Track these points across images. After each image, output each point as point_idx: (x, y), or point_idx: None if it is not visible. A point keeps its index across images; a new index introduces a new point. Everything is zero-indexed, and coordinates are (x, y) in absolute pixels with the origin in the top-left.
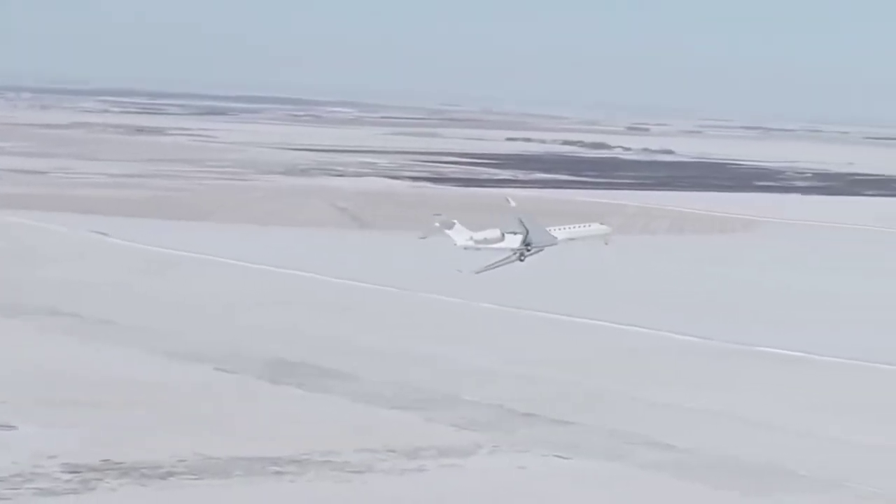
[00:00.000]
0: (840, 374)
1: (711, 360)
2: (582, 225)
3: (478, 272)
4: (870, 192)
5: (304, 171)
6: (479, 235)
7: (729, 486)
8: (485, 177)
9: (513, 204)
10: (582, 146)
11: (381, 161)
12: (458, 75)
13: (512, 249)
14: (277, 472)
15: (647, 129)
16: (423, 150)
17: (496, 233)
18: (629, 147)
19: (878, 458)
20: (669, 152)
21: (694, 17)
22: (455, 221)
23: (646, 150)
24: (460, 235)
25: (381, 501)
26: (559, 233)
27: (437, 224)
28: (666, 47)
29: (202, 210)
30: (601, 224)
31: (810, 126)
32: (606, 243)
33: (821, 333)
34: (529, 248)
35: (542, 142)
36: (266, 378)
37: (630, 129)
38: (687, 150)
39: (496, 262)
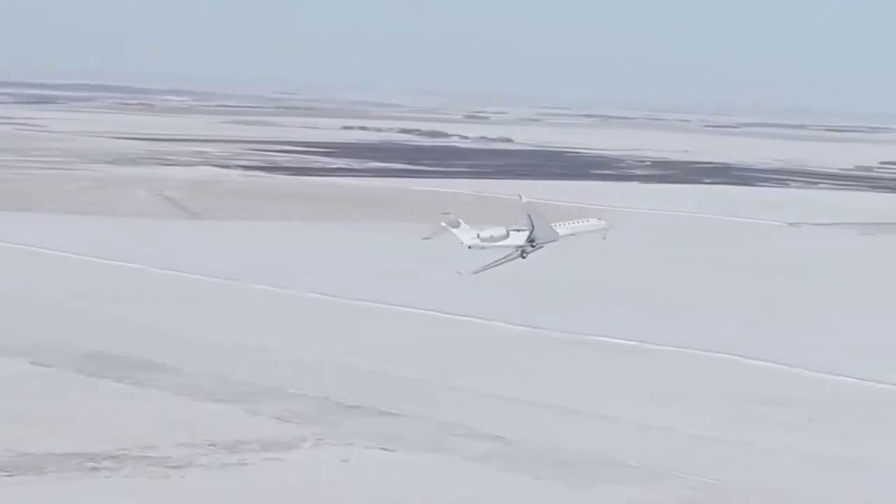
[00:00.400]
0: (672, 362)
1: (541, 349)
2: (580, 220)
3: (476, 272)
4: (708, 181)
5: (133, 161)
6: (486, 233)
7: (553, 477)
8: (318, 165)
9: (524, 200)
10: (419, 135)
11: (213, 150)
12: (294, 63)
13: (516, 246)
14: (93, 468)
15: (485, 118)
16: (256, 139)
17: (502, 230)
18: (467, 135)
19: (706, 447)
20: (508, 140)
21: (532, 3)
22: (460, 220)
23: (483, 138)
24: (466, 234)
25: (200, 497)
26: (560, 228)
27: (443, 224)
28: (505, 35)
29: (25, 200)
30: (598, 219)
31: (651, 114)
32: (604, 238)
33: (653, 322)
34: (534, 244)
35: (379, 130)
36: (85, 372)
37: (468, 117)
38: (525, 138)
39: (497, 261)
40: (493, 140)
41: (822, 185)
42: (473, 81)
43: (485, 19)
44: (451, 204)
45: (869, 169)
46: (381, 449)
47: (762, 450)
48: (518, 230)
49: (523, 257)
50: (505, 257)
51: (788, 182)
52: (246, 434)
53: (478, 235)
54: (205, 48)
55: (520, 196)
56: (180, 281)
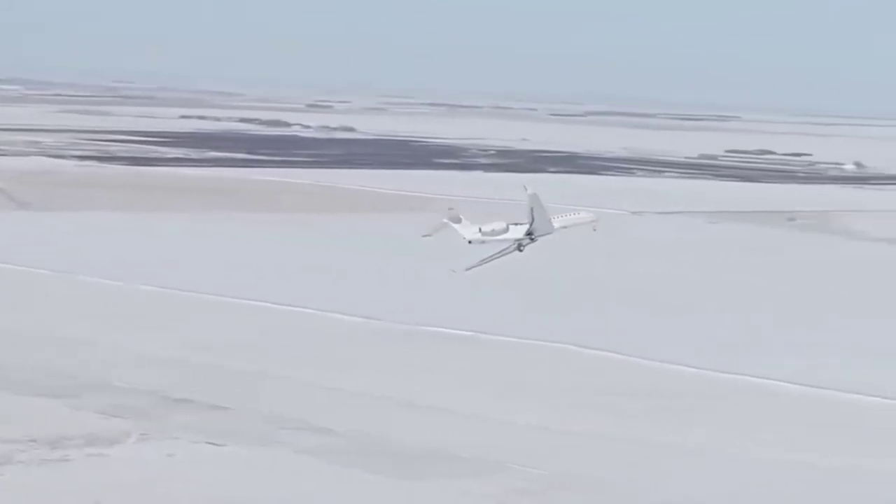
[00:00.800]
0: (509, 353)
1: (377, 340)
2: (572, 213)
3: (468, 269)
4: (553, 170)
5: None
6: (487, 227)
7: (385, 470)
8: (155, 155)
9: (530, 191)
10: (259, 124)
11: (47, 140)
12: (131, 52)
13: (514, 240)
14: None
15: (329, 107)
16: (92, 129)
17: (502, 224)
18: (309, 125)
19: (541, 438)
20: (351, 130)
21: None
22: (461, 216)
23: (326, 127)
24: (468, 229)
25: (19, 494)
26: (555, 222)
27: (444, 220)
28: (350, 25)
29: None
30: (588, 212)
31: (497, 103)
32: (595, 230)
33: (491, 312)
34: (532, 237)
35: (218, 119)
36: None
37: (311, 106)
38: (369, 127)
39: (491, 256)
40: (335, 129)
41: (667, 174)
42: (318, 71)
43: (326, 9)
44: (289, 193)
45: (714, 157)
46: (209, 443)
47: (598, 440)
48: (517, 224)
49: (520, 251)
50: (499, 252)
51: (633, 171)
52: (69, 429)
53: (480, 230)
54: (41, 38)
55: (525, 187)
56: (5, 273)
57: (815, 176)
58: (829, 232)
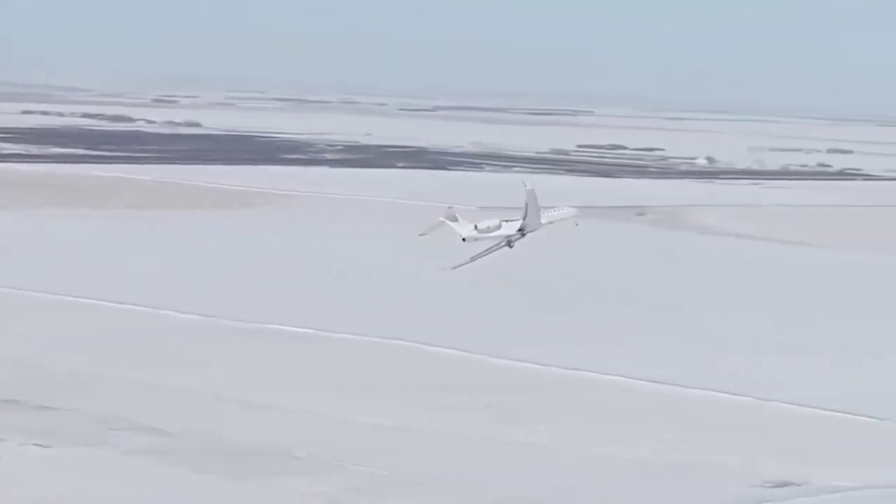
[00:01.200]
0: (350, 350)
1: (214, 338)
2: (556, 209)
3: (455, 267)
4: (402, 165)
5: None
6: (483, 225)
7: (217, 470)
8: None
9: (528, 187)
10: (103, 119)
11: None
12: None
13: (504, 236)
14: None
15: (174, 102)
16: None
17: (496, 221)
18: (153, 120)
19: (379, 436)
20: (197, 125)
21: None
22: (457, 215)
23: (171, 122)
24: (464, 227)
25: None
26: (542, 218)
27: (441, 218)
28: (200, 17)
29: None
30: (571, 207)
31: (347, 98)
32: (577, 224)
33: (337, 309)
34: (524, 233)
35: (61, 115)
36: None
37: (156, 101)
38: (215, 122)
39: (481, 252)
40: (180, 125)
41: (516, 169)
42: (166, 63)
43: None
44: (129, 189)
45: (565, 152)
46: (36, 444)
47: (438, 437)
48: (508, 220)
49: (510, 247)
50: (488, 249)
51: (483, 166)
52: None
53: (475, 227)
54: None
55: (524, 183)
56: None
57: (666, 171)
58: (680, 227)
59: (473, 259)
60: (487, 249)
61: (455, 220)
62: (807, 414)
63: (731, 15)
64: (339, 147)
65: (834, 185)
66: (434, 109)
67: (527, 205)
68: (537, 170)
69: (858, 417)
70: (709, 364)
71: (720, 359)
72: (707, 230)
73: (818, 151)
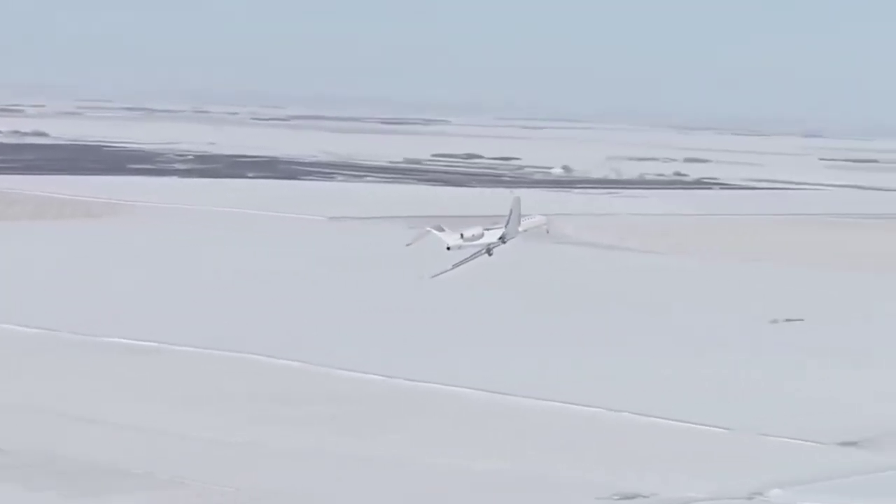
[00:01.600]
0: (193, 364)
1: (50, 353)
2: (530, 217)
3: (434, 276)
4: (252, 175)
5: None
6: (468, 233)
7: (49, 487)
8: None
9: (515, 194)
10: None
11: None
12: None
13: (485, 245)
14: None
15: (20, 111)
16: None
17: (479, 229)
18: None
19: (221, 452)
20: (43, 135)
21: None
22: (443, 226)
23: (16, 132)
24: (450, 237)
25: None
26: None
27: (427, 228)
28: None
29: None
30: (542, 215)
31: (198, 107)
32: (548, 232)
33: (180, 322)
34: (504, 241)
35: None
36: None
37: (2, 110)
38: (62, 132)
39: (462, 260)
40: (26, 134)
41: (368, 179)
42: (11, 72)
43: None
44: None
45: (419, 161)
46: None
47: (282, 452)
48: (490, 229)
49: (489, 255)
50: (465, 259)
51: (334, 175)
52: None
53: (461, 236)
54: None
55: (511, 191)
56: None
57: (521, 180)
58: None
59: (455, 266)
60: (470, 256)
61: (441, 230)
62: (653, 424)
63: (589, 20)
64: (189, 157)
65: (689, 194)
66: (287, 119)
67: (511, 213)
68: (389, 179)
69: (707, 427)
70: (556, 375)
71: (566, 369)
72: (562, 239)
73: (675, 161)
